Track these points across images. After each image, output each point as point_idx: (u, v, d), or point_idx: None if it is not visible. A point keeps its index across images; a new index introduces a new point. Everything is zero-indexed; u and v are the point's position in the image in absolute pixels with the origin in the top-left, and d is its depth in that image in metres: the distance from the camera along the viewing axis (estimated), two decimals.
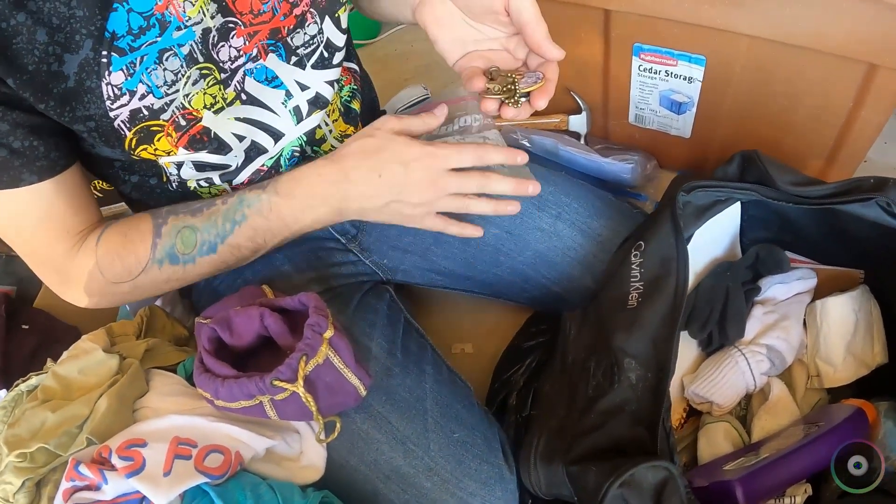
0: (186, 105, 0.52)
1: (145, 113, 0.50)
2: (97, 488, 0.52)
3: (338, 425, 0.53)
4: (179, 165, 0.57)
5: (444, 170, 0.52)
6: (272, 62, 0.56)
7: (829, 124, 0.76)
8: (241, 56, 0.53)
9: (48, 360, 0.65)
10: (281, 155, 0.62)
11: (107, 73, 0.47)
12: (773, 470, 0.54)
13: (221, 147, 0.56)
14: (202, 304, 0.72)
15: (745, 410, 0.68)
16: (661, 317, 0.56)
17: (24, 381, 0.63)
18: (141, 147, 0.52)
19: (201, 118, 0.53)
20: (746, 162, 0.63)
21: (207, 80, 0.52)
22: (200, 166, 0.57)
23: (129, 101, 0.49)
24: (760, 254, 0.69)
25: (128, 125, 0.50)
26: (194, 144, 0.54)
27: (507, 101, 0.51)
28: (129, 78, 0.48)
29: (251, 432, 0.54)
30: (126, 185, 0.61)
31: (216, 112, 0.54)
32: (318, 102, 0.60)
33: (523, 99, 0.51)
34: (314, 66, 0.58)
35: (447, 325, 0.85)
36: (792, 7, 0.66)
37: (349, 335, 0.54)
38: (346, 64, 0.67)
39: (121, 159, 0.57)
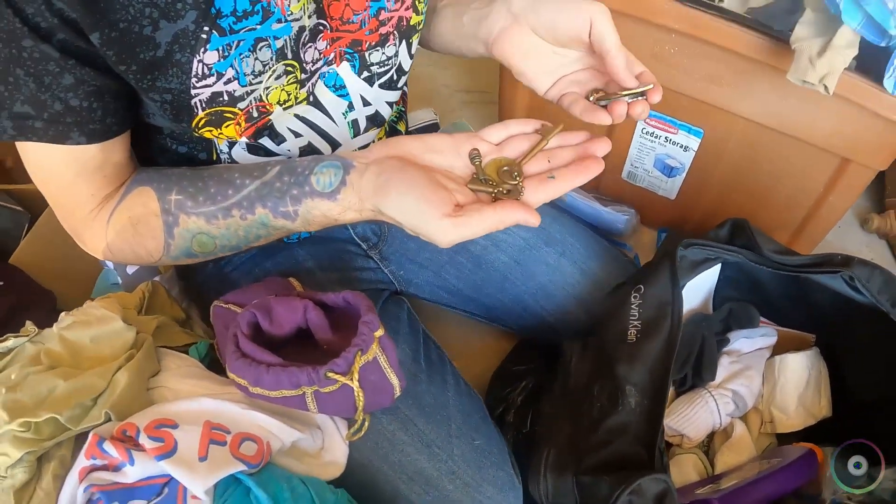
0: (263, 98, 0.52)
1: (225, 98, 0.49)
2: (116, 469, 0.50)
3: (366, 423, 0.55)
4: (232, 144, 0.57)
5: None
6: (344, 70, 0.57)
7: (800, 204, 0.87)
8: (321, 59, 0.54)
9: (27, 322, 0.61)
10: None
11: (202, 49, 0.46)
12: (744, 492, 0.62)
13: (274, 136, 0.57)
14: (210, 288, 0.71)
15: (707, 446, 0.77)
16: (657, 352, 0.63)
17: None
18: (207, 128, 0.52)
19: (272, 113, 0.54)
20: (736, 228, 0.72)
21: (289, 77, 0.52)
22: (253, 148, 0.57)
23: (214, 83, 0.48)
24: (734, 309, 0.78)
25: (203, 105, 0.49)
26: (257, 135, 0.55)
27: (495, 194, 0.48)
28: (222, 59, 0.47)
29: (281, 423, 0.54)
30: (167, 154, 0.59)
31: (285, 109, 0.54)
32: (376, 120, 0.63)
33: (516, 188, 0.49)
34: (381, 86, 0.61)
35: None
36: (788, 100, 0.77)
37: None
38: None
39: (175, 131, 0.55)
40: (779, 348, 0.79)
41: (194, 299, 0.75)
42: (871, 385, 0.74)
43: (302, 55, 0.52)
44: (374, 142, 0.68)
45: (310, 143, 0.60)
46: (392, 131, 0.71)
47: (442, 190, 0.45)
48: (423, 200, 0.44)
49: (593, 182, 1.04)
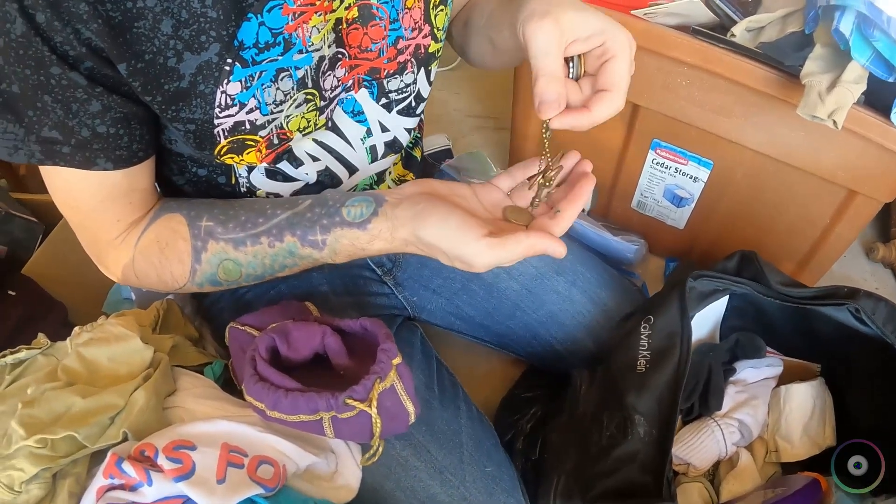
0: (284, 126, 0.52)
1: (247, 127, 0.50)
2: (133, 489, 0.50)
3: (380, 448, 0.56)
4: (251, 168, 0.57)
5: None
6: (362, 97, 0.58)
7: (806, 235, 0.88)
8: (340, 86, 0.55)
9: (39, 334, 0.62)
10: (353, 191, 0.65)
11: (226, 81, 0.47)
12: None
13: (293, 160, 0.58)
14: (223, 308, 0.72)
15: (712, 475, 0.77)
16: (666, 382, 0.64)
17: (11, 353, 0.59)
18: (229, 155, 0.53)
19: (292, 139, 0.55)
20: (745, 260, 0.73)
21: (309, 104, 0.53)
22: (272, 173, 0.58)
23: (236, 113, 0.49)
24: (741, 340, 0.79)
25: (226, 134, 0.50)
26: (276, 160, 0.56)
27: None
28: (244, 90, 0.48)
29: (297, 447, 0.55)
30: (185, 175, 0.59)
31: (305, 135, 0.56)
32: (394, 146, 0.64)
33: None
34: (400, 112, 0.62)
35: None
36: (797, 133, 0.78)
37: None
38: None
39: (196, 156, 0.56)
40: (784, 378, 0.80)
41: (207, 319, 0.76)
42: (873, 415, 0.74)
43: (321, 83, 0.53)
44: (390, 168, 0.70)
45: (327, 168, 0.61)
46: (408, 157, 0.73)
47: (477, 218, 0.47)
48: (463, 224, 0.46)
49: (602, 210, 1.09)
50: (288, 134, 0.54)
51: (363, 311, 0.71)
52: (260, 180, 0.59)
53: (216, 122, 0.49)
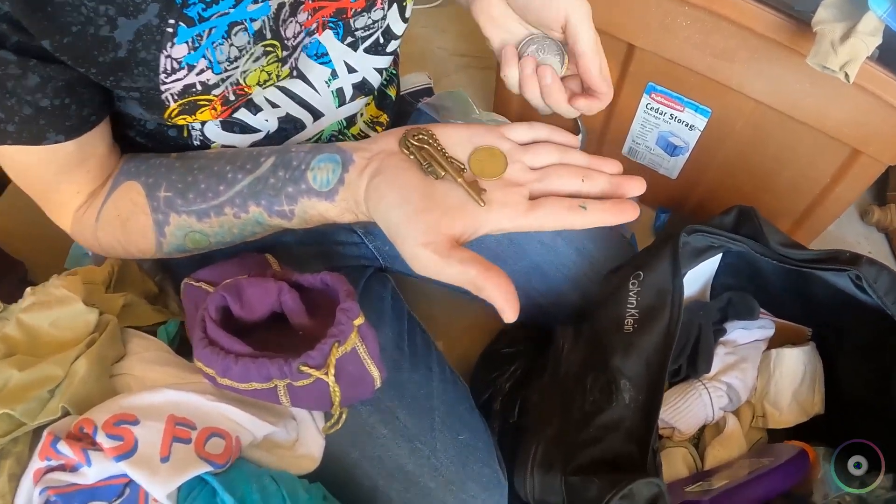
0: (241, 81, 0.47)
1: (198, 88, 0.45)
2: (73, 469, 0.46)
3: (343, 416, 0.52)
4: (204, 122, 0.52)
5: None
6: (326, 38, 0.52)
7: (805, 192, 0.84)
8: (303, 31, 0.49)
9: None
10: (321, 137, 0.59)
11: (169, 44, 0.41)
12: (735, 493, 0.60)
13: (251, 106, 0.52)
14: (182, 264, 0.65)
15: (697, 439, 0.75)
16: (654, 344, 0.59)
17: None
18: (180, 117, 0.47)
19: (251, 94, 0.49)
20: (743, 216, 0.68)
21: (269, 57, 0.47)
22: (228, 125, 0.52)
23: (185, 76, 0.43)
24: (734, 299, 0.75)
25: (175, 97, 0.45)
26: (232, 114, 0.50)
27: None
28: (192, 52, 0.42)
29: (252, 416, 0.50)
30: (136, 129, 0.54)
31: (265, 87, 0.50)
32: (363, 88, 0.58)
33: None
34: (367, 51, 0.56)
35: (421, 319, 0.85)
36: (803, 84, 0.72)
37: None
38: None
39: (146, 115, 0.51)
40: (775, 341, 0.77)
41: (167, 272, 0.70)
42: (864, 385, 0.71)
43: (282, 32, 0.47)
44: (362, 110, 0.64)
45: (289, 115, 0.55)
46: (382, 96, 0.66)
47: (433, 213, 0.41)
48: (407, 221, 0.41)
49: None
50: (245, 89, 0.48)
51: (330, 262, 0.66)
52: (215, 132, 0.53)
53: (163, 87, 0.44)
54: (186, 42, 0.42)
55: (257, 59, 0.46)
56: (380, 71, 0.58)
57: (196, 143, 0.53)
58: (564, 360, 0.64)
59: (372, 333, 0.50)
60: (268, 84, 0.50)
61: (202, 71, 0.44)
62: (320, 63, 0.54)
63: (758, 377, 0.76)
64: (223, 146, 0.54)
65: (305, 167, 0.45)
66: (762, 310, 0.79)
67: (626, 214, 0.42)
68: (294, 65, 0.51)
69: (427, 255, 0.39)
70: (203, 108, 0.47)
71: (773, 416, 0.74)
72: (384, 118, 0.67)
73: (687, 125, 0.85)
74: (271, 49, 0.47)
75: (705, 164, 0.89)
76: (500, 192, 0.42)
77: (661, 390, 0.57)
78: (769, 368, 0.75)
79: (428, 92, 1.02)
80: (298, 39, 0.50)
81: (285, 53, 0.49)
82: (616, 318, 0.61)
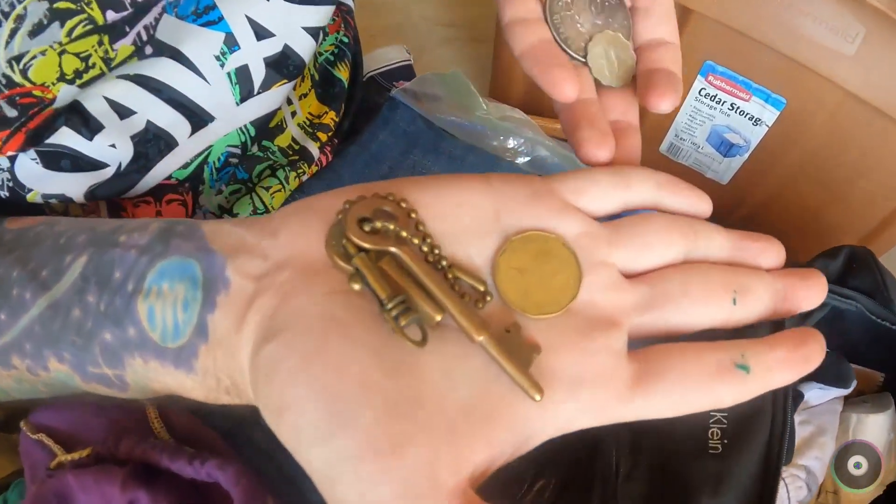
0: (18, 78, 0.26)
1: None
2: None
3: None
4: (13, 158, 0.30)
5: None
6: None
7: (880, 207, 0.69)
8: None
9: None
10: (206, 158, 0.36)
11: None
12: None
13: (82, 123, 0.30)
14: None
15: None
16: (751, 473, 0.42)
17: None
18: None
19: (53, 100, 0.28)
20: (854, 261, 0.51)
21: (71, 23, 0.26)
22: (50, 158, 0.30)
23: None
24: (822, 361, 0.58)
25: None
26: (35, 141, 0.29)
27: None
28: None
29: None
30: None
31: (83, 85, 0.28)
32: (284, 66, 0.35)
33: None
34: None
35: None
36: None
37: None
38: None
39: None
40: None
41: None
42: None
43: None
44: (295, 107, 0.41)
45: (148, 125, 0.32)
46: (327, 81, 0.43)
47: (418, 442, 0.18)
48: (352, 472, 0.17)
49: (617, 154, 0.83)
50: (40, 94, 0.27)
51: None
52: (32, 172, 0.30)
53: None
54: None
55: (36, 31, 0.25)
56: (315, 33, 0.35)
57: (3, 192, 0.31)
58: (621, 491, 0.45)
59: None
60: (86, 78, 0.28)
61: None
62: (204, 26, 0.31)
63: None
64: (44, 197, 0.31)
65: (135, 288, 0.22)
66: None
67: (811, 364, 0.22)
68: (147, 37, 0.29)
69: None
70: None
71: (849, 498, 0.59)
72: (330, 118, 0.44)
73: (751, 118, 0.66)
74: (74, 8, 0.26)
75: (767, 168, 0.72)
76: (573, 349, 0.21)
77: None
78: (847, 436, 0.60)
79: (407, 70, 0.76)
80: None
81: (113, 17, 0.27)
82: (694, 430, 0.43)
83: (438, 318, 0.19)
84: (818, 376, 0.58)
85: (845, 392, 0.60)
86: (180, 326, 0.21)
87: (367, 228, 0.20)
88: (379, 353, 0.19)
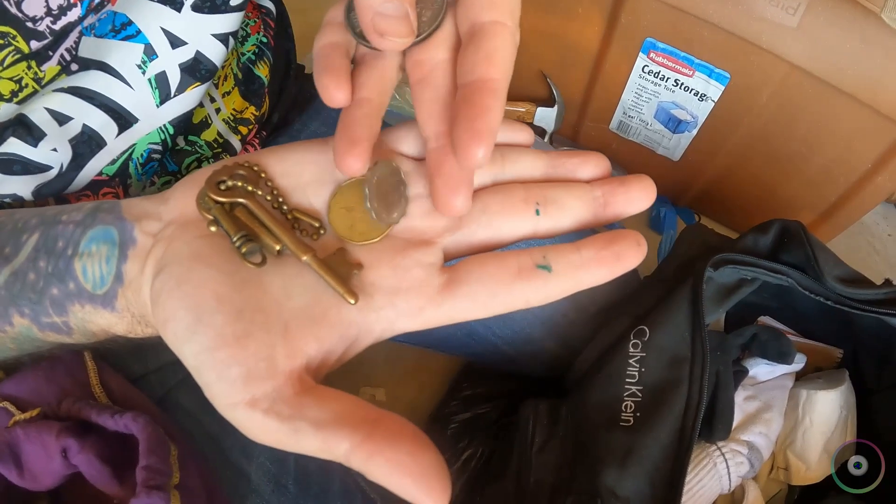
0: None
1: None
2: None
3: None
4: None
5: None
6: (126, 2, 0.34)
7: (838, 181, 0.67)
8: (73, 6, 0.30)
9: None
10: (130, 155, 0.39)
11: None
12: None
13: (26, 133, 0.34)
14: None
15: None
16: (663, 446, 0.42)
17: None
18: None
19: None
20: (786, 235, 0.50)
21: (5, 53, 0.30)
22: (5, 164, 0.34)
23: None
24: (761, 336, 0.57)
25: None
26: None
27: None
28: None
29: None
30: None
31: (22, 101, 0.32)
32: (196, 70, 0.38)
33: None
34: (196, 8, 0.36)
35: (356, 364, 0.67)
36: (857, 46, 0.54)
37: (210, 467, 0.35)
38: None
39: None
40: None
41: None
42: None
43: (19, 10, 0.29)
44: (219, 104, 0.44)
45: (84, 128, 0.36)
46: (248, 78, 0.46)
47: (256, 339, 0.23)
48: (209, 364, 0.23)
49: (570, 132, 0.81)
50: None
51: None
52: None
53: None
54: None
55: None
56: (224, 39, 0.39)
57: None
58: (535, 461, 0.45)
59: (203, 493, 0.34)
60: (22, 95, 0.31)
61: None
62: (124, 39, 0.35)
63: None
64: (0, 198, 0.36)
65: (73, 252, 0.29)
66: (786, 328, 0.63)
67: (625, 262, 0.25)
68: (70, 58, 0.33)
69: (253, 421, 0.22)
70: None
71: (799, 470, 0.60)
72: (251, 112, 0.46)
73: (697, 94, 0.65)
74: (2, 42, 0.29)
75: (717, 144, 0.70)
76: (389, 265, 0.25)
77: None
78: (797, 412, 0.60)
79: None
80: (66, 20, 0.30)
81: (37, 45, 0.30)
82: (609, 401, 0.43)
83: (278, 247, 0.25)
84: (759, 351, 0.58)
85: (792, 368, 0.60)
86: (105, 276, 0.28)
87: (223, 187, 0.26)
88: (230, 274, 0.24)
